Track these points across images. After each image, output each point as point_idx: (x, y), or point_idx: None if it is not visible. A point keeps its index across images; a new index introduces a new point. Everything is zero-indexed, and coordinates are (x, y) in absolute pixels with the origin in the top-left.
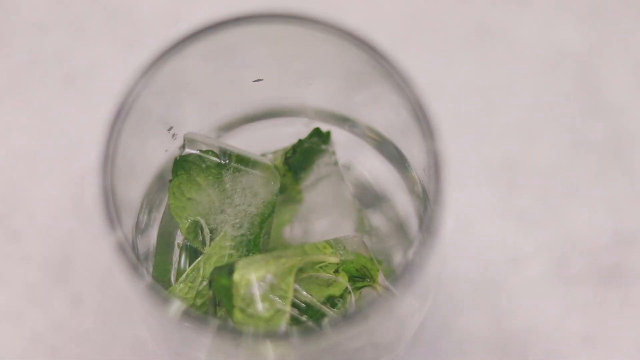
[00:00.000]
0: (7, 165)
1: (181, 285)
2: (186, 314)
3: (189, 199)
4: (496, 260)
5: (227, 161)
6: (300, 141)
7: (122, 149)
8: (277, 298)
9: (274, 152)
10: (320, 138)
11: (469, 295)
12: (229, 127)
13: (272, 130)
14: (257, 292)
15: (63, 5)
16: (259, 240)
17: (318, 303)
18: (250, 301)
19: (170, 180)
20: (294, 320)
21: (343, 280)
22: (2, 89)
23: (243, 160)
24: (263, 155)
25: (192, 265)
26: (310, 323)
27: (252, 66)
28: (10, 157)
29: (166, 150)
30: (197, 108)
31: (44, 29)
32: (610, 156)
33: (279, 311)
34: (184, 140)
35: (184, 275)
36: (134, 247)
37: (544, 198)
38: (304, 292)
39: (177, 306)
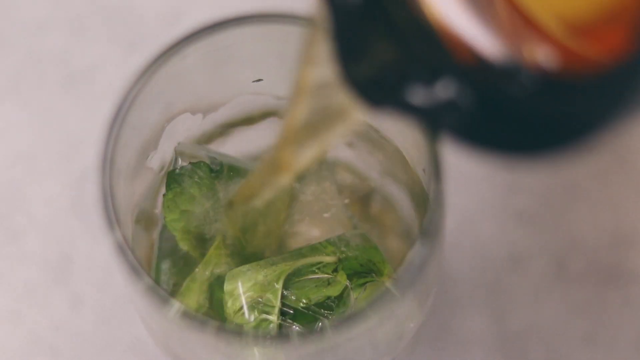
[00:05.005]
0: (7, 165)
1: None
2: (186, 315)
3: (184, 210)
4: (496, 260)
5: (219, 171)
6: None
7: (121, 148)
8: (263, 306)
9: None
10: None
11: (469, 295)
12: (229, 127)
13: (272, 130)
14: (244, 302)
15: (63, 5)
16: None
17: (308, 308)
18: (238, 310)
19: (164, 195)
20: (282, 327)
21: (341, 279)
22: (2, 89)
23: (234, 169)
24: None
25: (189, 276)
26: (298, 329)
27: (252, 66)
28: (10, 157)
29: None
30: (197, 108)
31: (44, 29)
32: (610, 156)
33: (265, 320)
34: (175, 153)
35: (183, 286)
36: (135, 248)
37: (544, 198)
38: (294, 298)
39: (176, 307)
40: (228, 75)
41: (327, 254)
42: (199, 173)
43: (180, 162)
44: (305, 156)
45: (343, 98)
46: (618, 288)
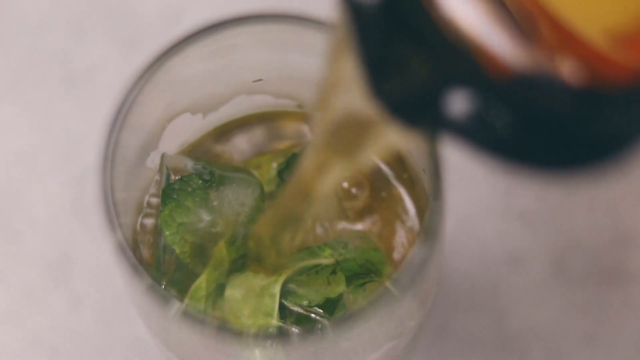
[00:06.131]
0: (7, 165)
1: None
2: (186, 315)
3: (181, 223)
4: (496, 260)
5: (211, 180)
6: (294, 154)
7: (122, 148)
8: (262, 311)
9: (271, 154)
10: None
11: (469, 295)
12: (229, 127)
13: (272, 130)
14: (243, 307)
15: (63, 5)
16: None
17: (307, 311)
18: (238, 316)
19: (160, 211)
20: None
21: (340, 281)
22: (2, 89)
23: (224, 176)
24: (261, 156)
25: (194, 284)
26: (298, 330)
27: (252, 66)
28: (10, 157)
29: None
30: (197, 108)
31: (44, 29)
32: None
33: (264, 324)
34: (167, 169)
35: (188, 294)
36: (136, 248)
37: (544, 198)
38: (292, 301)
39: (177, 307)
40: (228, 75)
41: (325, 257)
42: (192, 185)
43: (172, 177)
44: (336, 176)
45: (374, 118)
46: (618, 288)
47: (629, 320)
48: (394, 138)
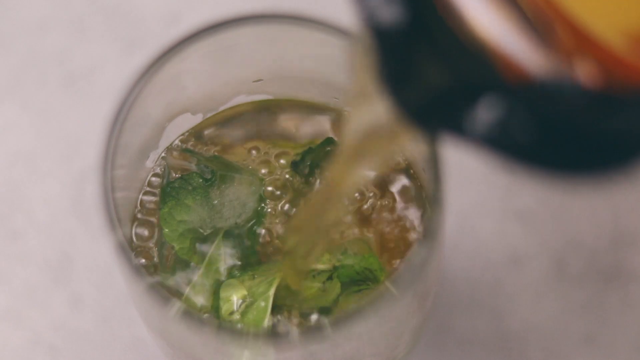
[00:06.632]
0: (7, 165)
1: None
2: (186, 315)
3: (180, 221)
4: (496, 260)
5: (212, 179)
6: (310, 149)
7: (122, 148)
8: (256, 313)
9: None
10: (331, 147)
11: (469, 295)
12: (228, 126)
13: (271, 131)
14: (236, 309)
15: (63, 5)
16: (254, 248)
17: (301, 315)
18: (231, 316)
19: (160, 209)
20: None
21: (335, 287)
22: (2, 89)
23: (226, 175)
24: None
25: (190, 284)
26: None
27: (252, 66)
28: (10, 157)
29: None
30: (197, 108)
31: (44, 29)
32: None
33: (257, 326)
34: (167, 167)
35: (187, 292)
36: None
37: (544, 198)
38: (286, 305)
39: (177, 307)
40: (228, 75)
41: (323, 262)
42: (192, 183)
43: (172, 175)
44: (360, 174)
45: (394, 123)
46: (618, 288)
47: (629, 320)
48: (412, 144)
